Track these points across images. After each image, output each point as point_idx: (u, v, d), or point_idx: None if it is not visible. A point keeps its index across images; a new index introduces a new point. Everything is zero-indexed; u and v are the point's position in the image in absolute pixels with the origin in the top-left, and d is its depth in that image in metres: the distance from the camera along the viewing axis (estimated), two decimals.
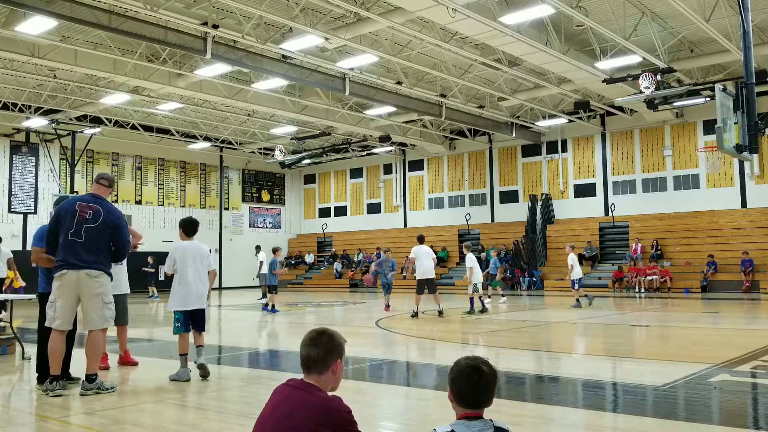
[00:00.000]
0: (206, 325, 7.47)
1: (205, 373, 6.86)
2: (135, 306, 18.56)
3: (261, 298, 20.86)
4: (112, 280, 6.44)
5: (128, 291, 8.11)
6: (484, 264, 20.17)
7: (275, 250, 17.11)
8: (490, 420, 2.53)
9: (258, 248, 22.12)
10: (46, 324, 6.20)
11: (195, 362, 6.85)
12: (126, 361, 7.93)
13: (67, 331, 6.17)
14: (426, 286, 14.27)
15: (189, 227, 7.30)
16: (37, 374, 6.56)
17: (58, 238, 6.20)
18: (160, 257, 26.17)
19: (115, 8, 14.56)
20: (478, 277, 15.10)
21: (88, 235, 6.13)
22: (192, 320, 7.07)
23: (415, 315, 14.02)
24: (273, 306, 16.66)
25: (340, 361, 2.76)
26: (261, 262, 21.10)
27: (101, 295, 6.19)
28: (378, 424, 5.12)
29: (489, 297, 18.54)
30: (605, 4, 15.07)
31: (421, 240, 14.96)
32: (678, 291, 22.25)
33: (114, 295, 7.88)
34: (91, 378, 6.09)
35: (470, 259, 15.14)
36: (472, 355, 2.65)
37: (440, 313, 14.24)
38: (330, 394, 2.70)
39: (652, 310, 16.24)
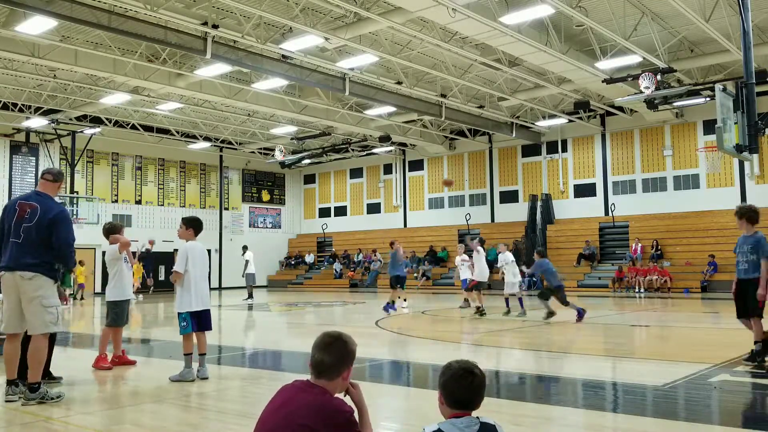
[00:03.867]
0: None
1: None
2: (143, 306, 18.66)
3: (247, 298, 21.23)
4: (57, 282, 6.02)
5: (132, 297, 8.14)
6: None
7: (392, 243, 16.47)
8: (477, 417, 2.55)
9: (245, 248, 22.39)
10: None
11: (198, 376, 6.82)
12: (123, 361, 7.94)
13: (19, 334, 5.91)
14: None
15: (200, 227, 7.13)
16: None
17: (2, 238, 5.99)
18: (159, 257, 26.31)
19: (115, 8, 14.56)
20: (516, 276, 14.61)
21: (26, 235, 5.83)
22: (199, 320, 6.94)
23: (479, 312, 14.13)
24: (392, 303, 15.49)
25: (350, 368, 2.78)
26: (247, 261, 21.54)
27: (39, 298, 5.78)
28: (378, 424, 5.12)
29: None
30: (605, 4, 15.07)
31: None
32: (678, 291, 22.24)
33: (119, 301, 7.96)
34: (33, 387, 5.73)
35: (506, 258, 14.86)
36: (462, 359, 2.67)
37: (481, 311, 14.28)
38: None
39: (652, 310, 16.24)
